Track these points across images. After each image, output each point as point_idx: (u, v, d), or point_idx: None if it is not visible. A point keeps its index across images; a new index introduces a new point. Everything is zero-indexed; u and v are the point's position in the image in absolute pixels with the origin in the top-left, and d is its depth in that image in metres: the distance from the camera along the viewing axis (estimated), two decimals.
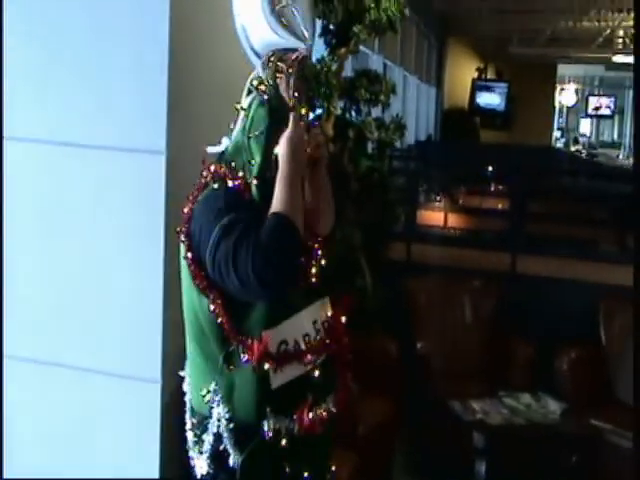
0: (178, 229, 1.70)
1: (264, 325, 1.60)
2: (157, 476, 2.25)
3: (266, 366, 1.58)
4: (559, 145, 19.51)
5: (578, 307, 3.72)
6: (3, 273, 2.41)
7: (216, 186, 1.65)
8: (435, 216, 5.94)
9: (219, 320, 1.60)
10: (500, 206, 6.55)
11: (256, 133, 1.65)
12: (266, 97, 1.69)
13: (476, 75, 15.38)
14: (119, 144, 2.26)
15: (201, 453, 1.68)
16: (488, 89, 14.91)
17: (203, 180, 1.71)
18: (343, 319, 1.75)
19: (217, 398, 1.63)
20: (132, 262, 2.28)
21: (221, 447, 1.64)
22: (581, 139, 21.01)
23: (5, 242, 2.41)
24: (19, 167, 2.40)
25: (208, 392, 1.64)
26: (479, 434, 2.83)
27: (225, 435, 1.63)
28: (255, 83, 1.73)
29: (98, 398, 2.32)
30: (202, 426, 1.68)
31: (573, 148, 18.76)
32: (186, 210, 1.69)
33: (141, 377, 2.27)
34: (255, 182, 1.63)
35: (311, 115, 3.72)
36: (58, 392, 2.37)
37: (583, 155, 15.96)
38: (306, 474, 1.68)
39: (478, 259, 4.27)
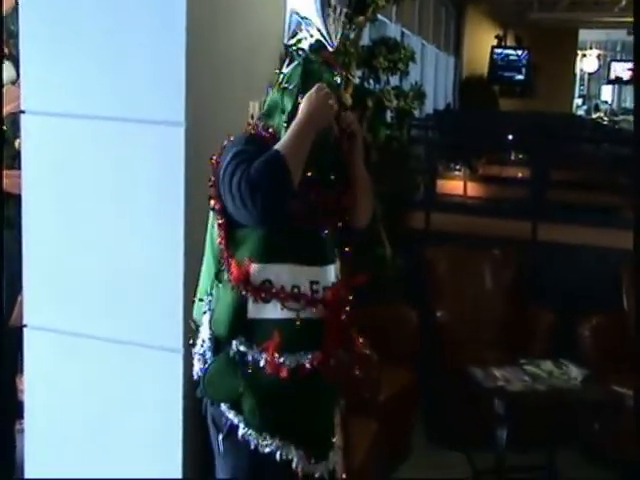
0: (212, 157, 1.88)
1: (253, 257, 1.77)
2: (180, 445, 2.29)
3: (243, 292, 1.76)
4: (580, 112, 19.20)
5: (600, 274, 3.70)
6: (25, 245, 2.44)
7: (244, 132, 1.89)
8: (454, 185, 5.91)
9: (218, 239, 1.83)
10: (520, 174, 6.50)
11: (290, 87, 1.85)
12: (302, 57, 1.90)
13: (495, 42, 15.12)
14: (138, 116, 2.26)
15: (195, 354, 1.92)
16: (507, 56, 14.66)
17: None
18: (345, 292, 1.85)
19: (206, 308, 1.88)
20: (153, 233, 2.29)
21: (203, 352, 1.88)
22: (602, 106, 20.66)
23: (26, 215, 2.44)
24: (38, 141, 2.41)
25: (202, 300, 1.92)
26: (500, 401, 2.84)
27: (206, 344, 1.87)
28: (294, 46, 1.97)
29: (120, 368, 2.35)
30: (197, 332, 1.93)
31: (594, 115, 18.45)
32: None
33: (163, 346, 2.29)
34: (285, 125, 1.81)
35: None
36: (80, 362, 2.40)
37: (605, 122, 15.70)
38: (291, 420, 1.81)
39: (498, 227, 4.25)
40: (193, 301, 2.01)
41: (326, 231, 1.85)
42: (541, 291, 3.84)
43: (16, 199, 2.64)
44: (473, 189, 5.92)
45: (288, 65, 1.93)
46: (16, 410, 2.69)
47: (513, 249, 4.03)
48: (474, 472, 3.20)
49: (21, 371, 2.57)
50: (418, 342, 3.42)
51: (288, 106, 1.83)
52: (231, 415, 1.84)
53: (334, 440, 1.95)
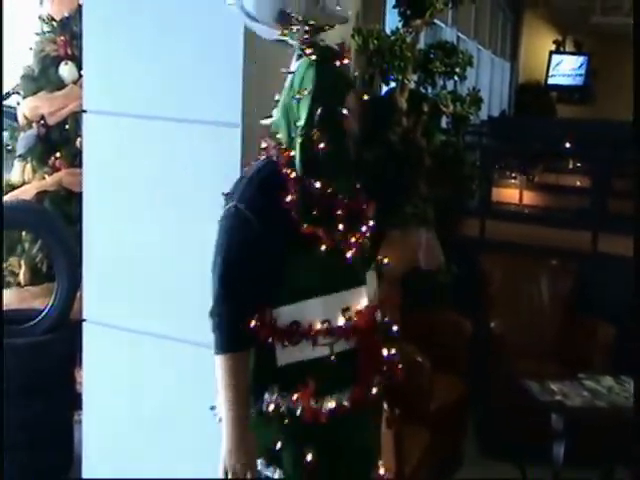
0: None
1: (277, 301, 1.64)
2: None
3: (269, 339, 1.63)
4: None
5: None
6: (85, 242, 2.48)
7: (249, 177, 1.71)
8: (510, 193, 5.81)
9: None
10: (578, 183, 6.34)
11: (305, 93, 1.65)
12: (315, 58, 1.68)
13: (554, 48, 14.84)
14: (196, 117, 2.28)
15: None
16: (566, 62, 14.37)
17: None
18: (374, 314, 1.72)
19: None
20: (209, 234, 2.29)
21: None
22: None
23: (86, 212, 2.48)
24: (99, 139, 2.45)
25: None
26: (557, 416, 2.76)
27: None
28: (304, 46, 1.73)
29: (174, 364, 2.37)
30: None
31: None
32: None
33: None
34: (299, 140, 1.64)
35: (384, 88, 3.69)
36: (136, 357, 2.44)
37: None
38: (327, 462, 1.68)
39: (555, 237, 4.15)
40: None
41: (353, 250, 1.68)
42: (601, 304, 3.73)
43: (77, 197, 2.70)
44: (529, 197, 5.81)
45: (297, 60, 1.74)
46: (75, 401, 2.75)
47: (572, 260, 3.92)
48: None
49: (80, 364, 2.62)
50: (471, 352, 3.35)
51: (302, 116, 1.64)
52: (269, 472, 1.72)
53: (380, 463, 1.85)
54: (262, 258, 1.62)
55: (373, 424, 1.81)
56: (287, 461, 1.69)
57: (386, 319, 1.78)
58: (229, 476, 1.67)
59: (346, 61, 1.72)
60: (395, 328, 1.80)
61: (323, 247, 1.63)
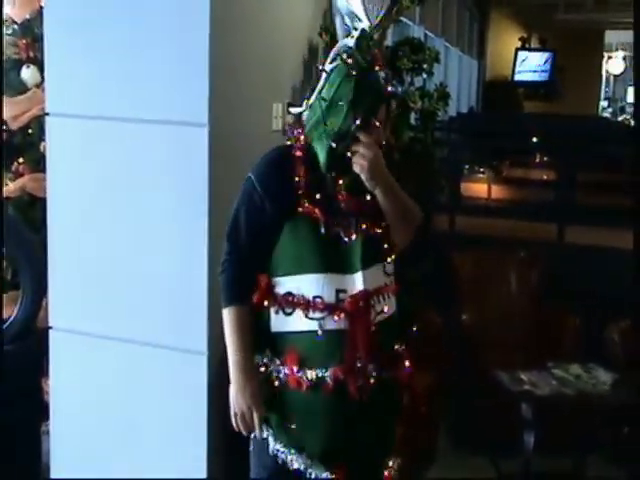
0: None
1: (277, 271, 1.77)
2: (205, 446, 2.28)
3: (265, 303, 1.76)
4: (606, 115, 18.96)
5: (628, 277, 3.63)
6: (50, 248, 2.46)
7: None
8: (479, 188, 5.87)
9: None
10: (545, 177, 6.43)
11: (340, 103, 1.72)
12: (354, 72, 1.72)
13: (519, 45, 15.01)
14: (162, 117, 2.28)
15: None
16: (532, 59, 14.54)
17: None
18: (367, 300, 1.75)
19: None
20: (176, 234, 2.29)
21: None
22: (629, 108, 20.39)
23: (51, 217, 2.46)
24: (62, 143, 2.43)
25: None
26: (527, 405, 2.79)
27: None
28: (344, 55, 1.75)
29: (144, 370, 2.36)
30: None
31: (620, 117, 18.22)
32: None
33: (188, 349, 2.29)
34: (328, 144, 1.73)
35: None
36: (105, 364, 2.42)
37: (632, 123, 15.49)
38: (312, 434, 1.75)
39: (524, 230, 4.20)
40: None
41: (353, 237, 1.76)
42: (568, 294, 3.78)
43: (42, 202, 2.66)
44: (498, 192, 5.87)
45: (331, 62, 1.78)
46: (42, 412, 2.71)
47: (539, 252, 3.98)
48: (499, 477, 3.15)
49: (46, 373, 2.59)
50: (443, 345, 3.38)
51: (336, 122, 1.72)
52: (262, 431, 1.81)
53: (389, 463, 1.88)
54: (263, 226, 1.77)
55: (381, 419, 1.83)
56: (274, 424, 1.79)
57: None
58: (237, 418, 1.79)
59: (378, 69, 1.78)
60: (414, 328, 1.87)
61: (323, 229, 1.73)
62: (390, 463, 1.89)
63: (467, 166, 6.22)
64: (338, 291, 1.74)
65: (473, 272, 3.86)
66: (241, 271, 1.80)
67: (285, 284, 1.76)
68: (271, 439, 1.80)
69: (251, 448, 1.87)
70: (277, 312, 1.76)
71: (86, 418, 2.46)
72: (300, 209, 1.74)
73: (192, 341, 2.28)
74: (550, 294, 3.81)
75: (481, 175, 6.31)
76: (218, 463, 2.32)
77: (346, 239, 1.75)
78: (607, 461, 3.29)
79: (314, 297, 1.73)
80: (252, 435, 1.83)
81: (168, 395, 2.34)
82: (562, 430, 3.06)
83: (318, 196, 1.74)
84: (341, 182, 1.76)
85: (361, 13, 1.82)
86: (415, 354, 1.90)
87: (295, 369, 1.73)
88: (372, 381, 1.75)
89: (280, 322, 1.76)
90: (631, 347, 3.34)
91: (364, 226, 1.77)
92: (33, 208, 3.13)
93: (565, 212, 4.24)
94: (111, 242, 2.37)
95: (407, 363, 1.83)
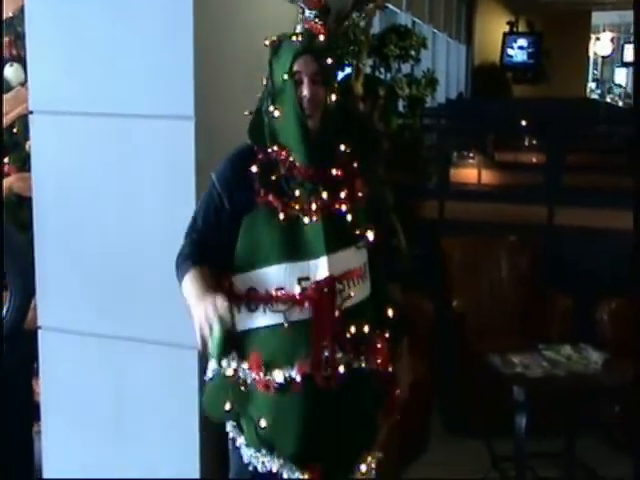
0: None
1: (237, 268, 1.73)
2: (197, 443, 2.27)
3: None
4: (594, 96, 18.98)
5: (617, 257, 3.65)
6: (37, 247, 2.45)
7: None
8: (468, 173, 5.87)
9: None
10: (535, 160, 6.44)
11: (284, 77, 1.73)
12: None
13: (507, 29, 15.00)
14: (147, 111, 2.27)
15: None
16: (520, 43, 14.53)
17: None
18: (331, 286, 1.69)
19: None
20: (164, 229, 2.29)
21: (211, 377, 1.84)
22: (616, 89, 20.41)
23: (37, 215, 2.45)
24: (47, 140, 2.42)
25: None
26: (519, 388, 2.81)
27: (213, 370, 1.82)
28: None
29: (135, 366, 2.35)
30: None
31: (608, 98, 18.24)
32: None
33: (179, 344, 2.28)
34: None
35: (340, 74, 3.71)
36: (95, 362, 2.40)
37: (620, 104, 15.53)
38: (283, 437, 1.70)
39: (514, 214, 4.21)
40: None
41: (314, 219, 1.69)
42: (559, 276, 3.81)
43: (28, 201, 2.65)
44: (487, 177, 5.88)
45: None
46: (33, 412, 2.71)
47: (529, 235, 4.00)
48: (493, 459, 3.18)
49: (37, 374, 2.58)
50: (434, 332, 3.40)
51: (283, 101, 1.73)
52: (234, 434, 1.79)
53: (369, 458, 1.81)
54: (221, 222, 1.75)
55: (358, 411, 1.76)
56: (246, 429, 1.75)
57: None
58: (203, 324, 1.63)
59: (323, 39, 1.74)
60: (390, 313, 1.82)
61: (281, 215, 1.68)
62: (369, 458, 1.81)
63: (457, 152, 6.23)
64: (300, 279, 1.68)
65: (463, 257, 3.87)
66: (198, 259, 1.75)
67: (248, 280, 1.71)
68: (244, 447, 1.76)
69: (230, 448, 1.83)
70: (240, 310, 1.71)
71: (78, 417, 2.44)
72: (258, 199, 1.70)
73: (183, 336, 2.27)
74: (541, 277, 3.83)
75: (471, 160, 6.32)
76: (211, 461, 2.30)
77: (306, 220, 1.69)
78: (599, 441, 3.33)
79: (276, 289, 1.68)
80: (229, 436, 1.79)
81: (160, 392, 2.33)
82: (554, 411, 3.09)
83: (273, 177, 1.71)
84: (291, 159, 1.71)
85: None
86: (393, 339, 1.84)
87: (262, 373, 1.68)
88: (341, 370, 1.69)
89: (244, 319, 1.71)
90: (621, 327, 3.37)
91: (324, 194, 1.69)
92: (20, 208, 3.10)
93: (554, 194, 4.25)
94: (99, 239, 2.36)
95: (379, 346, 1.77)
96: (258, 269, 1.70)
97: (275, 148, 1.74)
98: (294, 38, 1.74)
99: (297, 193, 1.71)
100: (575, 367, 2.89)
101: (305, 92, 1.70)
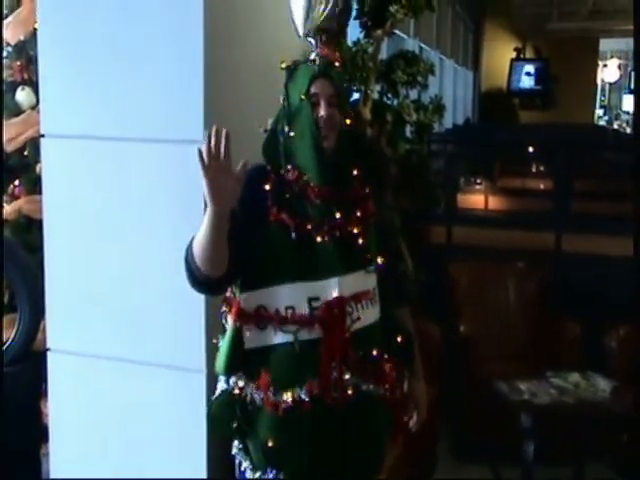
0: None
1: (247, 286, 1.71)
2: (204, 466, 2.27)
3: (237, 323, 1.70)
4: (602, 123, 19.03)
5: (626, 284, 3.64)
6: (47, 270, 2.46)
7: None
8: (475, 199, 5.89)
9: None
10: (542, 186, 6.45)
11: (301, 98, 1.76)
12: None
13: (514, 55, 15.10)
14: (157, 136, 2.28)
15: None
16: (527, 69, 14.63)
17: None
18: (342, 306, 1.69)
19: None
20: (173, 253, 2.29)
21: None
22: (624, 116, 20.46)
23: (48, 238, 2.46)
24: (58, 164, 2.43)
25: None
26: (527, 415, 2.80)
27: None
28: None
29: (143, 389, 2.34)
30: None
31: (615, 125, 18.28)
32: None
33: (186, 367, 2.28)
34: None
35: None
36: (104, 385, 2.40)
37: (627, 131, 15.55)
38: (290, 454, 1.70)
39: (521, 240, 4.21)
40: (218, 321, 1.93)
41: (325, 238, 1.70)
42: (567, 303, 3.79)
43: (38, 224, 2.68)
44: (494, 202, 5.89)
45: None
46: (41, 434, 2.70)
47: (537, 261, 3.99)
48: None
49: (45, 395, 2.58)
50: (441, 357, 3.39)
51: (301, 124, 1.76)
52: (240, 456, 1.78)
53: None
54: (232, 239, 1.66)
55: (363, 431, 1.74)
56: (252, 450, 1.74)
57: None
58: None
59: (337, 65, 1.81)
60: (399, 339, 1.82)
61: (294, 235, 1.68)
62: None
63: (464, 177, 6.25)
64: (311, 299, 1.68)
65: (471, 282, 3.87)
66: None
67: (257, 297, 1.70)
68: (249, 471, 1.75)
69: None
70: (250, 329, 1.70)
71: (86, 440, 2.43)
72: (271, 217, 1.70)
73: (191, 359, 2.28)
74: (548, 303, 3.81)
75: (478, 186, 6.33)
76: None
77: (319, 239, 1.69)
78: (607, 469, 3.29)
79: (286, 308, 1.67)
80: (236, 461, 1.78)
81: (168, 415, 2.32)
82: (562, 439, 3.06)
83: (287, 196, 1.71)
84: (304, 178, 1.71)
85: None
86: (401, 364, 1.83)
87: (270, 393, 1.68)
88: (350, 392, 1.69)
89: (253, 338, 1.70)
90: (630, 354, 3.34)
91: (337, 215, 1.70)
92: (30, 230, 3.13)
93: (562, 221, 4.25)
94: (108, 262, 2.36)
95: (387, 371, 1.76)
96: (269, 287, 1.69)
97: (289, 167, 1.74)
98: (310, 63, 1.78)
99: (310, 213, 1.71)
100: (583, 395, 2.88)
101: (322, 112, 1.72)
